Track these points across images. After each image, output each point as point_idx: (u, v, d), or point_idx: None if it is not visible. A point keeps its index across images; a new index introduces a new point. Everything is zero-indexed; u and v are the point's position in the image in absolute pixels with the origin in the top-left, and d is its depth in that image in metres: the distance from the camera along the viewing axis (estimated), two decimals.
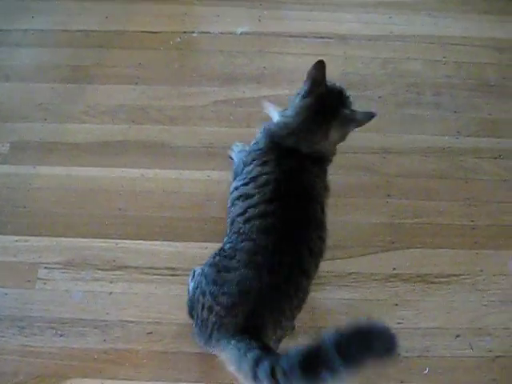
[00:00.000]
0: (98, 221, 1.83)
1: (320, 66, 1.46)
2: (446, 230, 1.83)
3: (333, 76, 2.05)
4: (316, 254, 1.39)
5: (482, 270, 1.76)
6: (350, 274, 1.75)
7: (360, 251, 1.78)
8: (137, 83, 2.08)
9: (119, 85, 2.07)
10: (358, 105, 2.00)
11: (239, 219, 1.39)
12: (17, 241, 1.80)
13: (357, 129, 1.97)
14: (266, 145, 1.48)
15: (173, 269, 1.74)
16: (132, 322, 1.68)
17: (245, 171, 1.47)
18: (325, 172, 1.50)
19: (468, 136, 2.00)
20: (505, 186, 1.92)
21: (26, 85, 2.08)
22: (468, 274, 1.76)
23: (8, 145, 1.95)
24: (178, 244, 1.78)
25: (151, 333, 1.65)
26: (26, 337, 1.67)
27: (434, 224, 1.84)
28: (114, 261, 1.77)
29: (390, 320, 1.68)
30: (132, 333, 1.66)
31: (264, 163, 1.44)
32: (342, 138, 1.54)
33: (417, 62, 2.14)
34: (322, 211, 1.42)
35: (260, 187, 1.39)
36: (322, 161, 1.50)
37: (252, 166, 1.46)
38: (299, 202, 1.39)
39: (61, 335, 1.67)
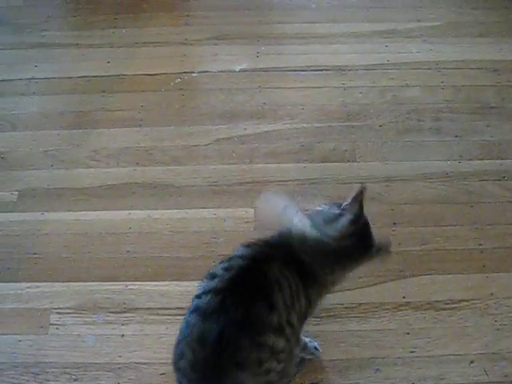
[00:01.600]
0: (107, 264, 1.85)
1: (363, 192, 1.35)
2: (453, 255, 1.82)
3: (332, 107, 2.11)
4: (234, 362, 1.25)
5: (492, 294, 1.75)
6: (360, 304, 1.75)
7: (369, 281, 1.78)
8: (140, 125, 2.11)
9: (123, 128, 2.11)
10: (360, 135, 2.05)
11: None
12: (28, 287, 1.81)
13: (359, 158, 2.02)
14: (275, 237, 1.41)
15: (183, 309, 1.69)
16: (145, 363, 1.68)
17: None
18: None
19: (470, 159, 2.00)
20: (510, 208, 1.91)
21: (32, 133, 2.12)
22: (479, 299, 1.75)
23: (16, 193, 1.98)
24: (187, 283, 1.79)
25: (164, 374, 1.64)
26: (40, 383, 1.67)
27: (442, 250, 1.83)
28: (125, 303, 1.78)
29: (402, 349, 1.68)
30: (145, 375, 1.66)
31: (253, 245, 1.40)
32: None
33: (415, 88, 2.16)
34: (272, 310, 1.28)
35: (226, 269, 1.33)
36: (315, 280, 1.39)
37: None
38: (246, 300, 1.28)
39: (75, 380, 1.67)
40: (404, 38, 2.28)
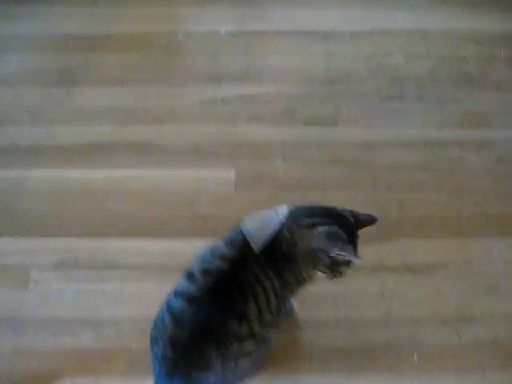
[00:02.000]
0: (88, 221, 1.86)
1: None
2: (432, 221, 1.85)
3: (316, 72, 2.11)
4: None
5: (467, 259, 1.79)
6: None
7: None
8: (123, 85, 2.11)
9: (106, 87, 2.11)
10: (343, 100, 2.06)
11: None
12: (8, 243, 1.82)
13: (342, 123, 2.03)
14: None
15: (163, 266, 1.76)
16: (124, 319, 1.70)
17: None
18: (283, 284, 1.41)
19: (451, 128, 2.03)
20: (489, 176, 1.94)
21: (14, 90, 2.12)
22: (454, 263, 1.79)
23: None
24: (167, 241, 1.81)
25: (144, 330, 1.66)
26: (19, 337, 1.69)
27: (420, 215, 1.86)
28: (105, 260, 1.79)
29: (377, 310, 1.72)
30: (125, 330, 1.68)
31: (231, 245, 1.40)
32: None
33: (399, 56, 2.17)
34: (241, 321, 1.33)
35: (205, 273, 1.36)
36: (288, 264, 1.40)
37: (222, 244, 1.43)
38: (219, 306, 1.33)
39: (54, 335, 1.69)
40: (391, 5, 2.29)
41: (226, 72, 2.13)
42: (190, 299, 1.33)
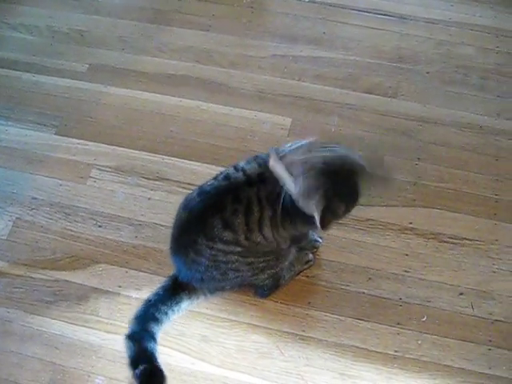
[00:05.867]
0: (151, 138, 2.04)
1: None
2: (468, 198, 1.89)
3: (386, 48, 2.21)
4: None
5: (497, 240, 1.82)
6: (368, 220, 1.85)
7: (381, 201, 1.88)
8: (208, 30, 2.29)
9: (192, 30, 2.29)
10: (406, 76, 2.14)
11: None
12: (78, 143, 2.03)
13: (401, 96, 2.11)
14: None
15: None
16: (163, 225, 1.85)
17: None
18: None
19: (507, 119, 2.05)
20: None
21: (112, 19, 2.34)
22: (482, 241, 1.82)
23: (87, 65, 2.21)
24: (216, 168, 1.91)
25: None
26: (69, 222, 1.88)
27: (458, 191, 1.90)
28: (158, 173, 1.96)
29: (397, 267, 1.77)
30: (161, 235, 1.83)
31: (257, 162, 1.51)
32: None
33: (470, 47, 2.21)
34: (226, 228, 1.46)
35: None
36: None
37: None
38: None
39: (99, 226, 1.87)
40: (471, 1, 2.34)
41: (301, 35, 2.26)
42: (201, 192, 1.51)
